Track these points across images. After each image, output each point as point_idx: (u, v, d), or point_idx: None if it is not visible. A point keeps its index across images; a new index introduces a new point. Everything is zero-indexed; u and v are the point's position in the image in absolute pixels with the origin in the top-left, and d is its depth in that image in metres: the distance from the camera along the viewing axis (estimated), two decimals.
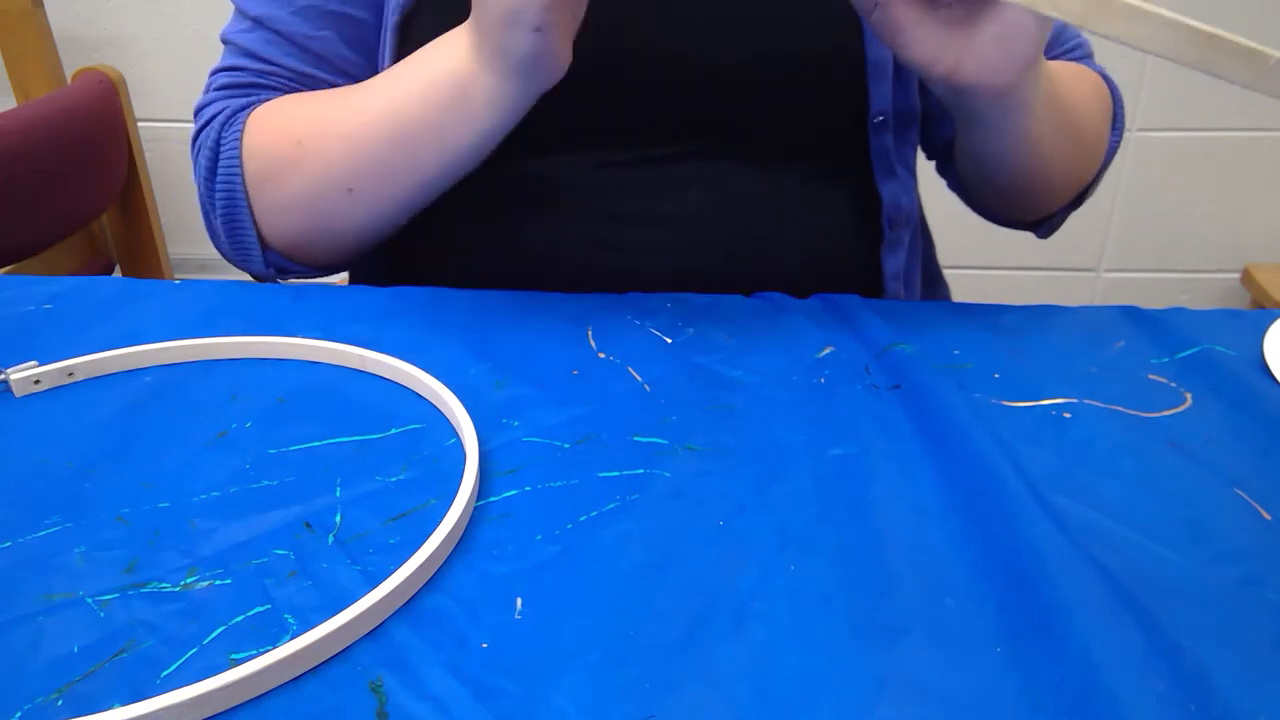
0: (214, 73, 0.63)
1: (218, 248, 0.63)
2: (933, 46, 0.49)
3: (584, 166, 0.62)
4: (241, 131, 0.59)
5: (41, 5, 1.09)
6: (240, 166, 0.59)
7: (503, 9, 0.47)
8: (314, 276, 0.63)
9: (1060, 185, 0.64)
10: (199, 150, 0.61)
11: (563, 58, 0.50)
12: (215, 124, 0.60)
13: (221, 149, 0.59)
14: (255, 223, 0.60)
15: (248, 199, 0.59)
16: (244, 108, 0.60)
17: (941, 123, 0.68)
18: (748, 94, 0.61)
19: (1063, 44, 0.69)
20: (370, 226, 0.59)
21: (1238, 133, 1.64)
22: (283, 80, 0.62)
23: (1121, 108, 0.67)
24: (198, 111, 0.62)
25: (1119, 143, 0.66)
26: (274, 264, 0.61)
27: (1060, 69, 0.62)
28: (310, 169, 0.57)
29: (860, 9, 0.50)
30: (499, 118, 0.53)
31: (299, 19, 0.61)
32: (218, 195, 0.59)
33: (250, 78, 0.62)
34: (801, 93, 0.62)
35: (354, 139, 0.56)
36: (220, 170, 0.59)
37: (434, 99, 0.53)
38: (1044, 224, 0.69)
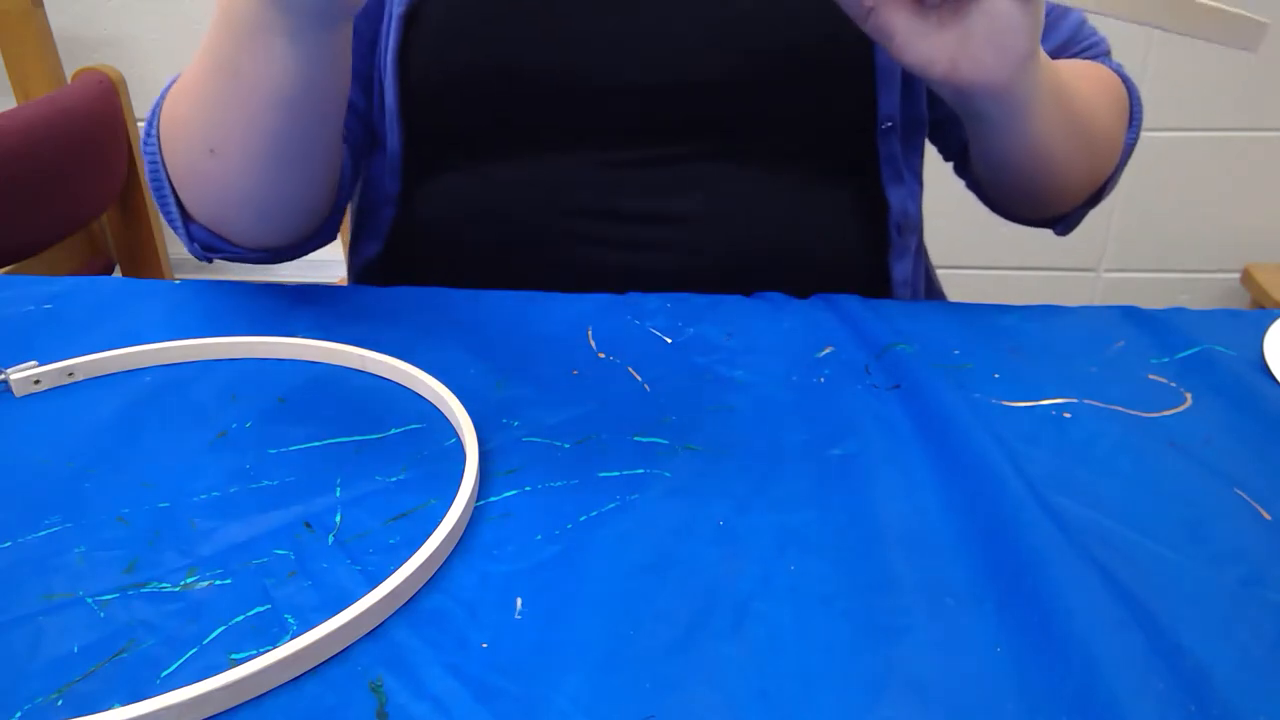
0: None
1: None
2: (927, 49, 0.50)
3: (588, 165, 0.62)
4: (166, 95, 0.57)
5: (41, 5, 1.09)
6: (158, 130, 0.57)
7: None
8: (244, 259, 0.60)
9: (1073, 183, 0.64)
10: None
11: None
12: (165, 86, 0.58)
13: (153, 114, 0.57)
14: (175, 191, 0.57)
15: (164, 164, 0.56)
16: None
17: (957, 124, 0.68)
18: (752, 96, 0.61)
19: (1078, 43, 0.68)
20: (250, 187, 0.54)
21: (1237, 133, 1.64)
22: None
23: (1139, 105, 0.66)
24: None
25: (1135, 140, 0.66)
26: (199, 239, 0.58)
27: (1070, 67, 0.62)
28: (180, 134, 0.54)
29: (853, 15, 0.50)
30: (301, 54, 0.48)
31: None
32: (147, 158, 0.57)
33: None
34: (806, 96, 0.62)
35: (195, 99, 0.53)
36: (151, 134, 0.57)
37: (231, 45, 0.49)
38: (1061, 221, 0.68)
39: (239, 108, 0.51)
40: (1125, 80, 0.67)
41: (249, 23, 0.48)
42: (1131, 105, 0.66)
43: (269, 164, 0.53)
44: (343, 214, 0.63)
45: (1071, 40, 0.68)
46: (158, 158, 0.57)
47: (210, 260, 0.60)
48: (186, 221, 0.58)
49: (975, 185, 0.70)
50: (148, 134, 0.58)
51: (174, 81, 0.58)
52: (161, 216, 0.59)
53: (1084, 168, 0.63)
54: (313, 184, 0.57)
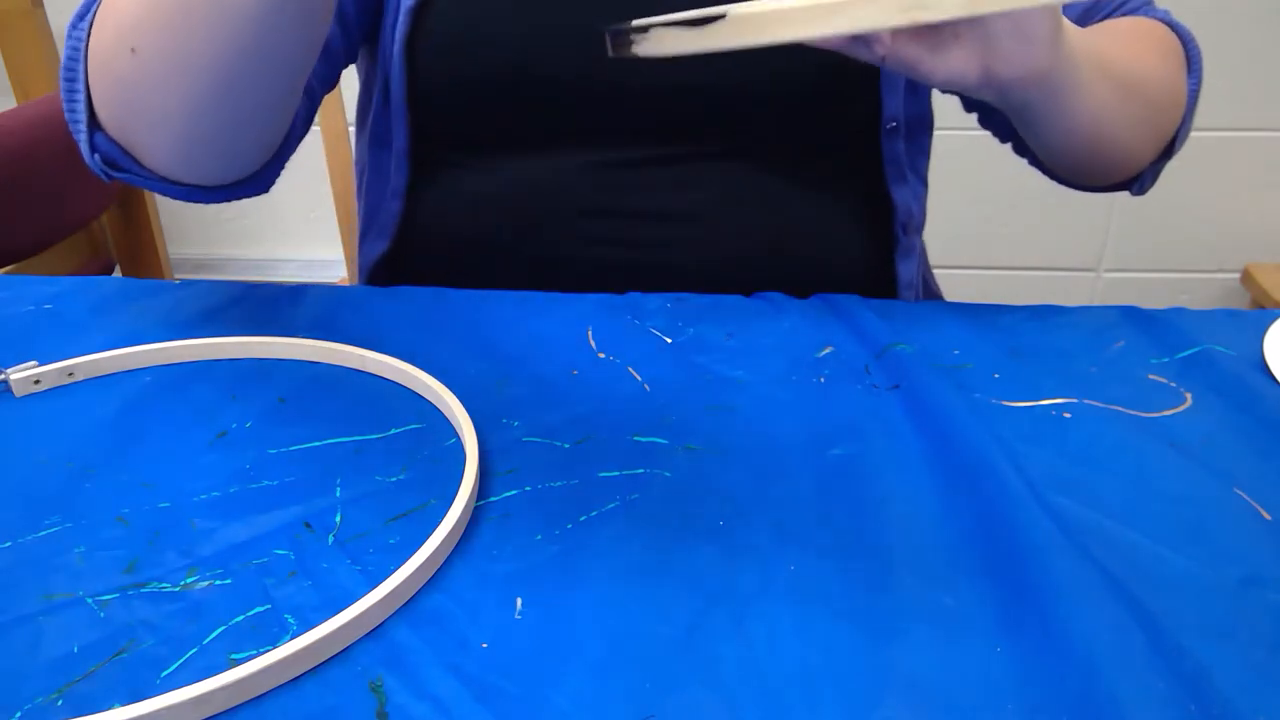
0: None
1: None
2: (955, 64, 0.49)
3: (593, 163, 0.62)
4: None
5: (41, 5, 1.09)
6: (94, 16, 0.51)
7: None
8: (151, 188, 0.54)
9: (1137, 146, 0.62)
10: None
11: None
12: None
13: (94, 3, 0.52)
14: (88, 85, 0.51)
15: (87, 54, 0.51)
16: None
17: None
18: (756, 97, 0.61)
19: (1115, 2, 0.66)
20: (168, 106, 0.48)
21: (1238, 133, 1.64)
22: None
23: (1194, 49, 0.63)
24: None
25: (1199, 86, 0.63)
26: (102, 151, 0.52)
27: (1108, 29, 0.61)
28: (108, 20, 0.49)
29: (870, 61, 0.49)
30: None
31: None
32: (68, 45, 0.51)
33: None
34: (810, 97, 0.62)
35: None
36: (85, 19, 0.51)
37: None
38: (1136, 182, 0.66)
39: (186, 21, 0.45)
40: (1174, 27, 0.64)
41: None
42: (1187, 51, 0.64)
43: (196, 87, 0.47)
44: (282, 166, 0.57)
45: (1100, 1, 0.66)
46: (82, 44, 0.51)
47: (110, 179, 0.54)
48: (92, 129, 0.52)
49: (1037, 163, 0.68)
50: (81, 15, 0.51)
51: None
52: (67, 119, 0.52)
53: (1144, 129, 0.61)
54: (249, 128, 0.51)
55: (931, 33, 0.48)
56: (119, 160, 0.52)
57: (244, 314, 0.55)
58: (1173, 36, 0.64)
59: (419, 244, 0.67)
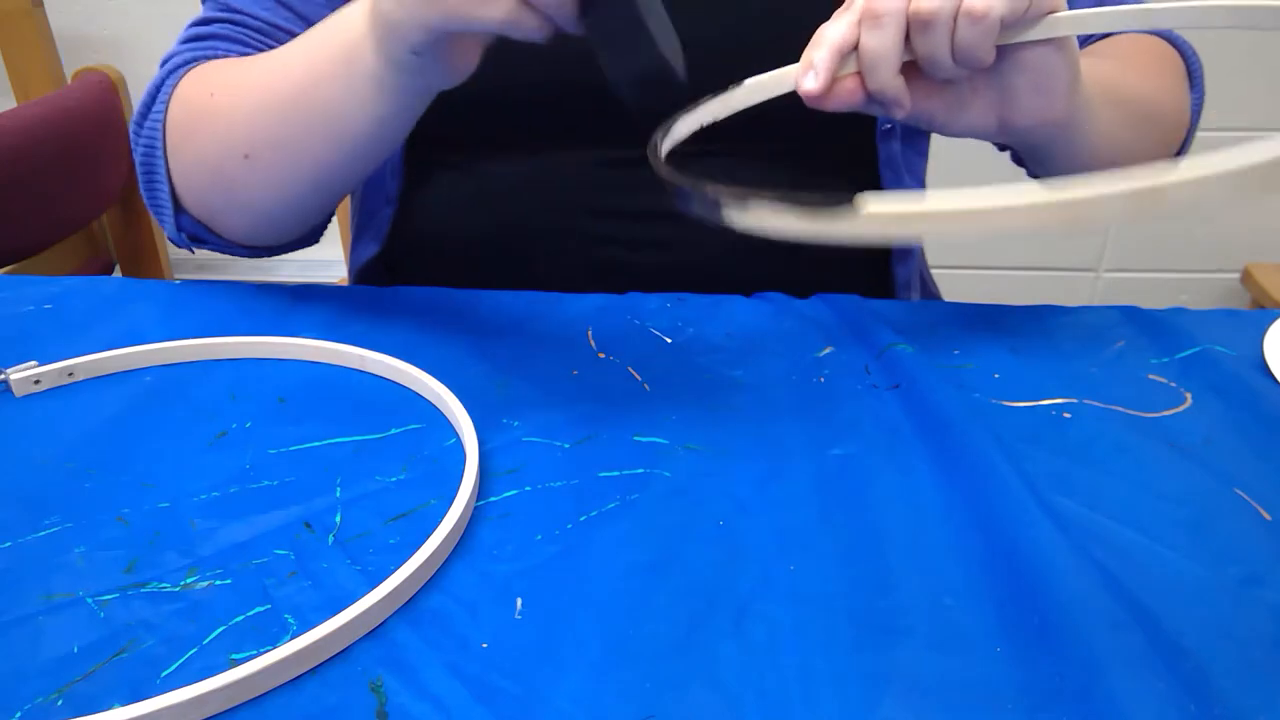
0: (189, 25, 0.60)
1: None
2: (973, 116, 0.49)
3: (587, 164, 0.62)
4: (178, 82, 0.56)
5: (41, 5, 1.09)
6: (165, 117, 0.56)
7: (387, 18, 0.43)
8: (230, 252, 0.60)
9: (1145, 163, 0.62)
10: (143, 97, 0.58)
11: (457, 69, 0.45)
12: (162, 72, 0.57)
13: (157, 97, 0.57)
14: (170, 178, 0.57)
15: (165, 151, 0.56)
16: (198, 60, 0.57)
17: None
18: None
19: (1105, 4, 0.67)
20: (272, 200, 0.55)
21: (1238, 133, 1.64)
22: (251, 33, 0.59)
23: (1195, 60, 0.64)
24: (163, 63, 0.58)
25: (1202, 98, 0.64)
26: (187, 229, 0.58)
27: (1112, 50, 0.61)
28: (215, 129, 0.54)
29: (889, 116, 0.49)
30: (391, 106, 0.48)
31: None
32: (141, 142, 0.57)
33: (218, 29, 0.59)
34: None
35: (254, 102, 0.52)
36: (150, 118, 0.56)
37: (325, 72, 0.49)
38: None
39: (305, 135, 0.51)
40: (1174, 40, 0.64)
41: (350, 61, 0.47)
42: (1189, 65, 0.64)
43: (303, 185, 0.54)
44: (330, 218, 0.63)
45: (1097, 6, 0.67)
46: (157, 141, 0.56)
47: (193, 251, 0.60)
48: (178, 213, 0.57)
49: (1034, 174, 0.67)
50: (145, 115, 0.57)
51: (184, 64, 0.57)
52: (146, 204, 0.59)
53: (1151, 149, 0.61)
54: (332, 202, 0.57)
55: (950, 90, 0.48)
56: (202, 235, 0.59)
57: (244, 314, 0.55)
58: (1173, 51, 0.64)
59: (412, 247, 0.67)
